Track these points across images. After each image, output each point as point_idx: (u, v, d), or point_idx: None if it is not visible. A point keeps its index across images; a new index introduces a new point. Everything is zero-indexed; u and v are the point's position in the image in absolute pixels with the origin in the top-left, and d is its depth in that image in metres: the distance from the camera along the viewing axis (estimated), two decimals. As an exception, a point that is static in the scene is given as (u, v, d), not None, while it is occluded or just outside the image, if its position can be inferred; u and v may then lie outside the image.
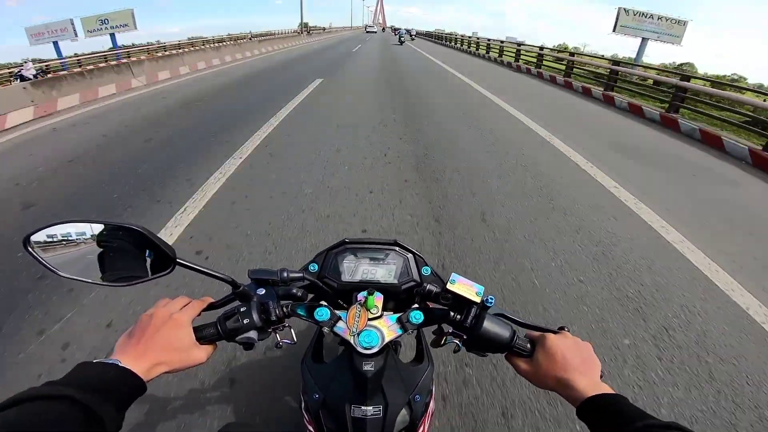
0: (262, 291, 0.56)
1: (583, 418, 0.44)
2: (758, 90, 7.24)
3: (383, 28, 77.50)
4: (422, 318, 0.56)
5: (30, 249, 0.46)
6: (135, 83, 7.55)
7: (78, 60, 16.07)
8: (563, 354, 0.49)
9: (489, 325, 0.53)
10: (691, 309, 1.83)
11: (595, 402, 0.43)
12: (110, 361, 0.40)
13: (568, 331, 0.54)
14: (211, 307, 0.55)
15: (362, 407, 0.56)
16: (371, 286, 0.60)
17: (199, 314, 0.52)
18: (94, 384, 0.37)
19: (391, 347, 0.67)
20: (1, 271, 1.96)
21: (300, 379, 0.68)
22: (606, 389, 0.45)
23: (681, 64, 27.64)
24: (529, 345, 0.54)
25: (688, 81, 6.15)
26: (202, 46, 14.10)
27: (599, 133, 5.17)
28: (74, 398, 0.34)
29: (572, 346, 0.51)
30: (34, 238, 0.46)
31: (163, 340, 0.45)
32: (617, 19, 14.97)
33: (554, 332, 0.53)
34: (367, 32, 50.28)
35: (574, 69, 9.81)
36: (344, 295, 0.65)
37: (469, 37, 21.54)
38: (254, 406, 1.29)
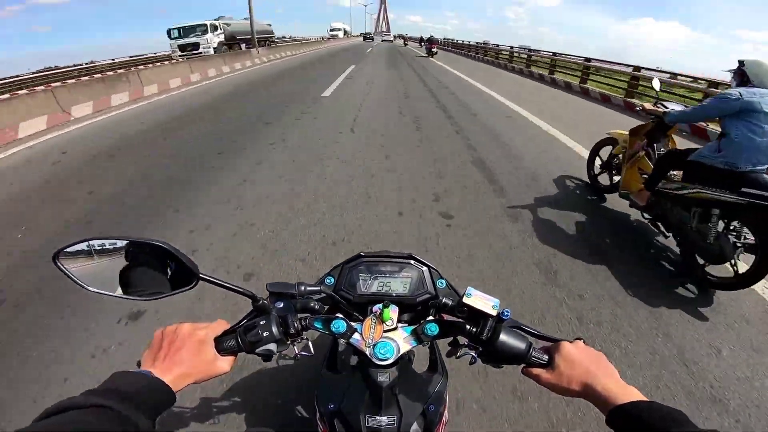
0: (280, 304, 0.61)
1: (615, 424, 0.45)
2: None
3: (394, 37, 65.36)
4: (437, 330, 0.60)
5: (59, 264, 0.52)
6: None
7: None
8: (582, 360, 0.53)
9: (505, 337, 0.56)
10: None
11: (628, 409, 0.45)
12: (143, 372, 0.46)
13: (583, 342, 0.57)
14: (226, 333, 0.58)
15: (377, 417, 0.61)
16: (387, 299, 0.65)
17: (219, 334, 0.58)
18: (130, 394, 0.41)
19: (406, 357, 0.71)
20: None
21: (315, 389, 0.72)
22: (637, 394, 0.47)
23: None
24: (546, 356, 0.57)
25: None
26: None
27: None
28: (112, 408, 0.38)
29: (588, 354, 0.55)
30: (62, 254, 0.52)
31: (188, 353, 0.51)
32: None
33: (569, 342, 0.57)
34: (383, 41, 48.26)
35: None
36: (360, 308, 0.69)
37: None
38: (269, 417, 1.40)
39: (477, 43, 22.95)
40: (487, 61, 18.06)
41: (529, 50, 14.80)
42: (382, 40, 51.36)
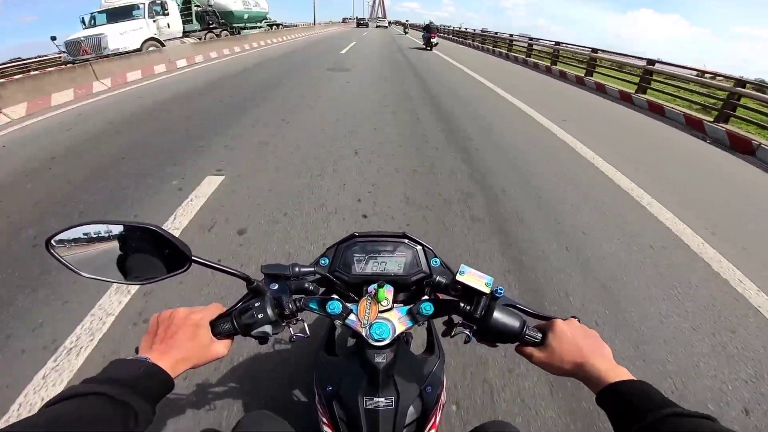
0: (275, 286, 0.62)
1: (604, 403, 0.47)
2: None
3: (389, 23, 65.71)
4: (432, 309, 0.61)
5: (52, 251, 0.52)
6: None
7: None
8: (575, 339, 0.54)
9: (499, 315, 0.58)
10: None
11: (617, 388, 0.46)
12: (141, 358, 0.47)
13: (578, 320, 0.59)
14: (221, 316, 0.59)
15: (374, 399, 0.62)
16: (381, 279, 0.66)
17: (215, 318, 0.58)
18: (129, 380, 0.42)
19: (402, 339, 0.73)
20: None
21: (313, 373, 0.75)
22: (626, 374, 0.49)
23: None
24: (540, 334, 0.58)
25: None
26: None
27: None
28: (111, 395, 0.39)
29: (582, 332, 0.56)
30: (55, 240, 0.52)
31: (184, 337, 0.52)
32: None
33: (563, 320, 0.58)
34: (378, 26, 52.05)
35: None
36: (355, 288, 0.71)
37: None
38: (266, 402, 1.44)
39: (475, 30, 22.46)
40: (500, 54, 15.68)
41: (530, 38, 14.58)
42: (377, 26, 53.99)
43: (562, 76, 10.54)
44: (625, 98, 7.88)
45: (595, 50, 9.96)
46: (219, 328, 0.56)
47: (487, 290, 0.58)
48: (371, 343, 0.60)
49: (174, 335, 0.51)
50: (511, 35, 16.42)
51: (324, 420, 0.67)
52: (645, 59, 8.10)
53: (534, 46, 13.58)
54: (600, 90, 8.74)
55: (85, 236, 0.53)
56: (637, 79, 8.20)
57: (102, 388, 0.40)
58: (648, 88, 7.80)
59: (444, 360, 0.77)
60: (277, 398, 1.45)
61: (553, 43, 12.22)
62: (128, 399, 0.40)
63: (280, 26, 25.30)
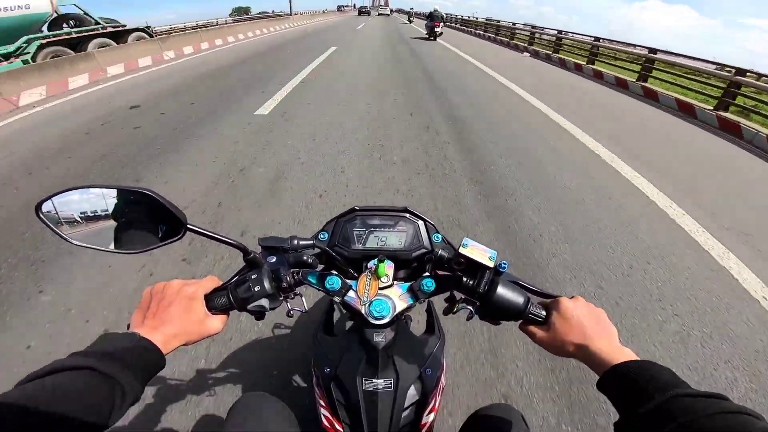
0: (272, 259, 0.63)
1: (608, 386, 0.46)
2: None
3: (391, 11, 65.55)
4: (434, 286, 0.62)
5: (42, 216, 0.51)
6: None
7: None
8: (579, 318, 0.54)
9: (503, 290, 0.58)
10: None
11: (620, 370, 0.46)
12: (131, 333, 0.47)
13: (584, 299, 0.60)
14: (216, 290, 0.60)
15: (373, 380, 0.62)
16: (382, 254, 0.67)
17: (210, 291, 0.60)
18: (117, 355, 0.42)
19: (402, 318, 0.76)
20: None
21: (311, 355, 0.76)
22: (630, 354, 0.49)
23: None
24: (544, 312, 0.59)
25: None
26: None
27: None
28: (98, 369, 0.39)
29: (587, 311, 0.56)
30: (45, 205, 0.51)
31: (177, 310, 0.51)
32: None
33: (568, 298, 0.59)
34: (380, 14, 54.89)
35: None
36: (355, 264, 0.72)
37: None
38: (265, 386, 1.48)
39: (487, 19, 20.90)
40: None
41: (558, 31, 13.15)
42: (379, 14, 57.12)
43: (621, 85, 8.86)
44: (728, 128, 5.95)
45: (653, 50, 8.77)
46: (214, 302, 0.56)
47: (490, 264, 0.57)
48: (371, 322, 0.61)
49: (166, 309, 0.51)
50: (533, 27, 15.09)
51: (322, 403, 0.68)
52: (734, 67, 6.61)
53: (563, 41, 12.79)
54: (684, 110, 6.84)
55: (78, 202, 0.52)
56: (701, 87, 7.46)
57: (88, 362, 0.40)
58: (731, 104, 6.58)
59: (444, 342, 0.78)
60: (275, 383, 1.50)
61: (591, 38, 10.82)
62: (115, 374, 0.40)
63: (142, 32, 11.00)
